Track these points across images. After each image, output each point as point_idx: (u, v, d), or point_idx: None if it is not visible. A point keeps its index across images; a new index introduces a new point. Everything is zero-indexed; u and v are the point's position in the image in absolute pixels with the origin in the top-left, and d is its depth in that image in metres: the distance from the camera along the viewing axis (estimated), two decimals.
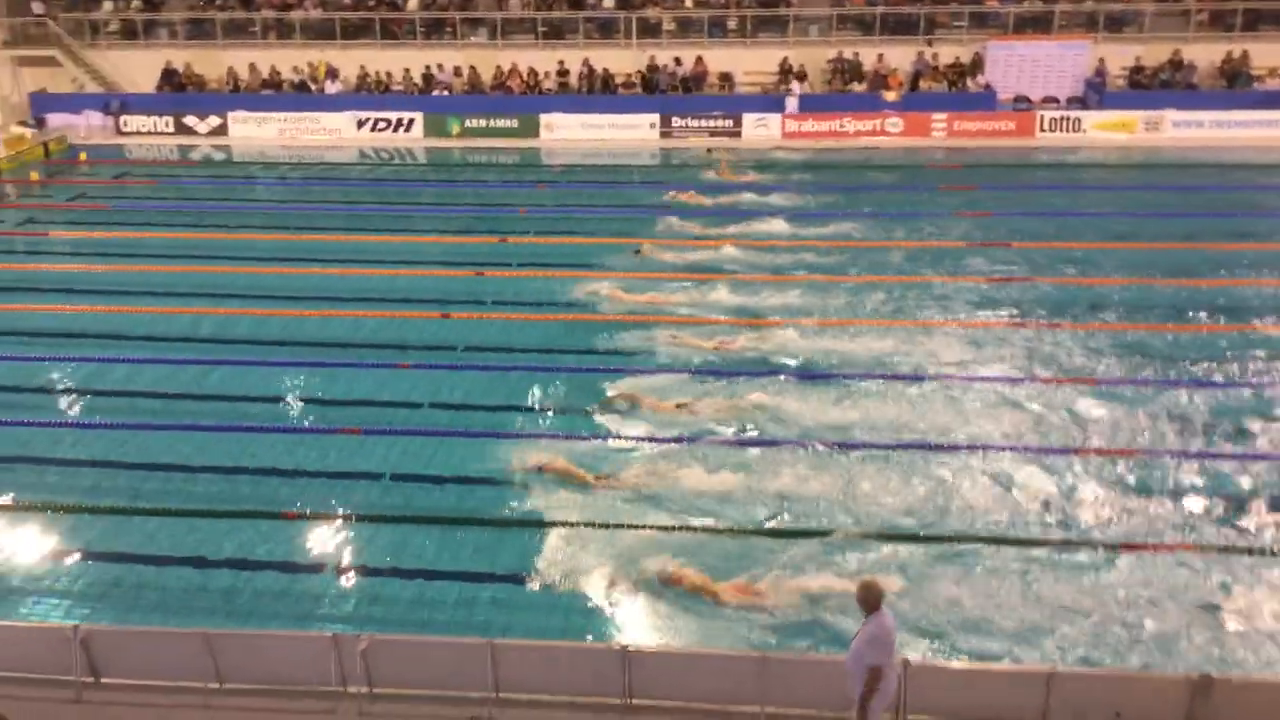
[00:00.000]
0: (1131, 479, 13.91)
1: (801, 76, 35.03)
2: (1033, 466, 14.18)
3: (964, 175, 29.68)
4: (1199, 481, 13.86)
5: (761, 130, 33.83)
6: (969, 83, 34.73)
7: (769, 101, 34.48)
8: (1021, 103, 34.26)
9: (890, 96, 34.13)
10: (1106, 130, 32.96)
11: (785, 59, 35.30)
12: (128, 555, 12.80)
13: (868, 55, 35.22)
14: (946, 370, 17.00)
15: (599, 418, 15.71)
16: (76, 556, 12.91)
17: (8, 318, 20.03)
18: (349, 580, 12.37)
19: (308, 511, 13.51)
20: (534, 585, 12.15)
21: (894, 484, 13.79)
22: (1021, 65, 34.79)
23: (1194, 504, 13.37)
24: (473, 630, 11.05)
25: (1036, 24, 35.40)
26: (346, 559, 12.69)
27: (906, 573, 11.91)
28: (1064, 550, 12.40)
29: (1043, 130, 33.25)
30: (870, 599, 8.77)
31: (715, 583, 11.71)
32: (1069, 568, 12.10)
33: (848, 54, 35.28)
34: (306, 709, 9.98)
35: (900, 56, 35.20)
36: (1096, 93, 34.01)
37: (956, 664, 10.36)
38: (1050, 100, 34.49)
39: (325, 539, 13.06)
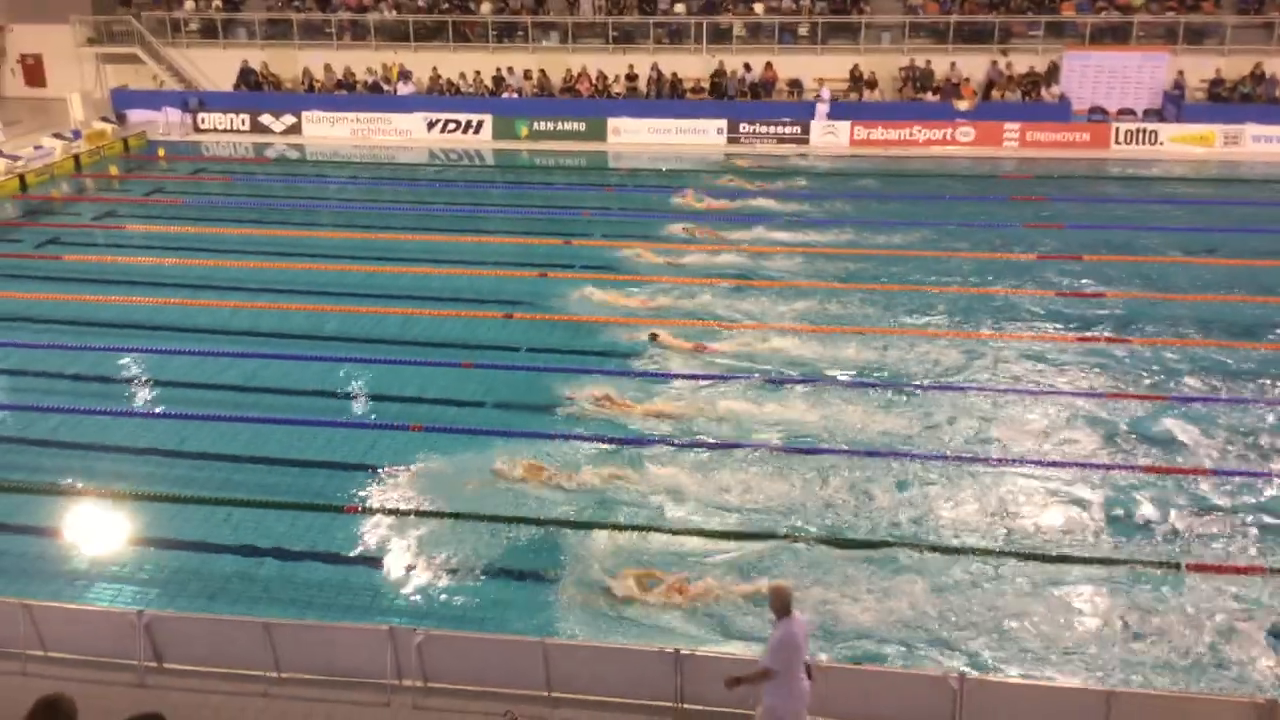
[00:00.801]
0: (1197, 498, 13.62)
1: (873, 84, 34.82)
2: (1074, 481, 14.07)
3: (1035, 186, 29.29)
4: (1269, 503, 13.51)
5: (830, 137, 33.64)
6: (1043, 93, 34.25)
7: (838, 108, 34.27)
8: (1097, 114, 33.71)
9: (962, 105, 33.79)
10: (1184, 143, 32.31)
11: (856, 66, 35.09)
12: (192, 543, 13.06)
13: (940, 64, 34.89)
14: (950, 379, 17.04)
15: (564, 417, 15.87)
16: (143, 543, 13.20)
17: (84, 308, 20.50)
18: (405, 574, 12.46)
19: (366, 506, 13.65)
20: (467, 578, 12.35)
21: (861, 492, 13.78)
22: (1098, 76, 34.23)
23: (1264, 525, 13.03)
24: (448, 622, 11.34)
25: (1115, 34, 34.83)
26: (403, 553, 12.79)
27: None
28: (1124, 569, 12.21)
29: (1118, 142, 32.67)
30: (779, 603, 8.75)
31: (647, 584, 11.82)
32: (1129, 586, 11.90)
33: (920, 62, 34.97)
34: (362, 700, 10.09)
35: (973, 65, 34.83)
36: (1174, 105, 33.36)
37: (1015, 680, 10.20)
38: (1126, 112, 33.90)
39: (384, 533, 13.17)
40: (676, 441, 15.01)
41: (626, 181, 30.99)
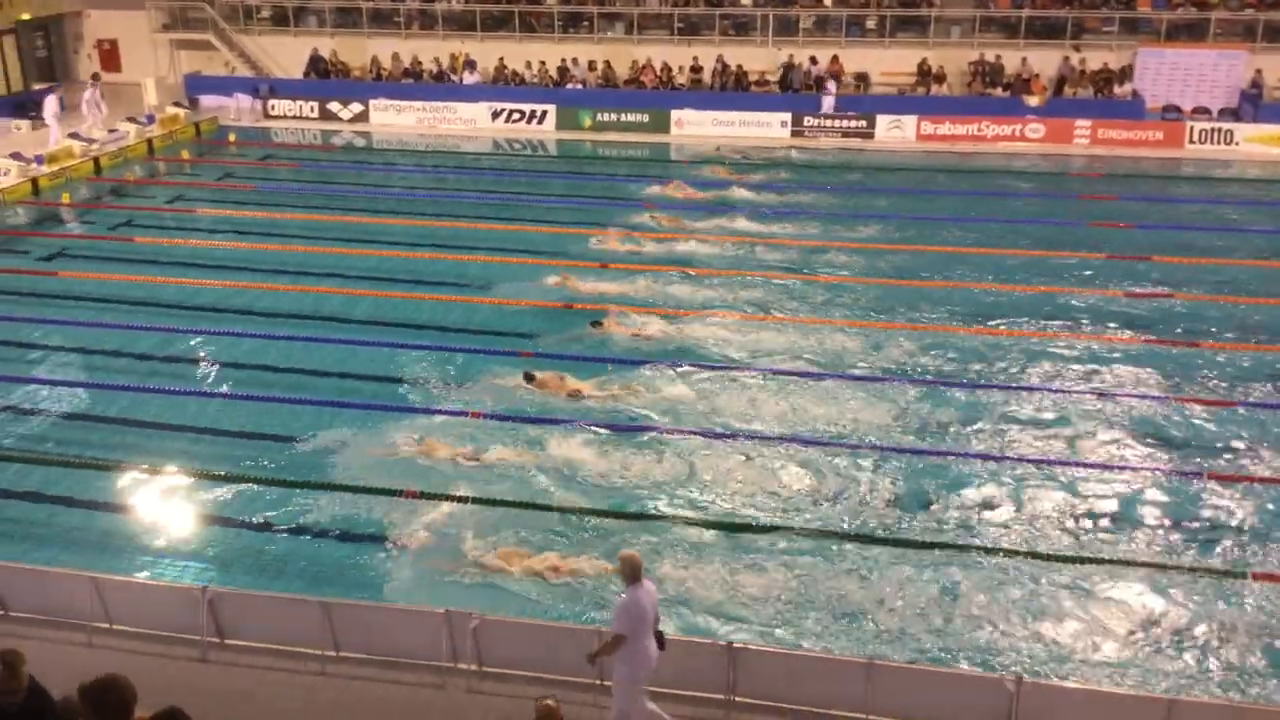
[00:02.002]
0: (1265, 506, 13.34)
1: (940, 79, 34.42)
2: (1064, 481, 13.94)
3: (1106, 184, 28.79)
4: None
5: (895, 132, 33.31)
6: (1116, 90, 33.64)
7: (905, 103, 33.97)
8: (1171, 113, 33.03)
9: (1033, 101, 33.30)
10: (1261, 144, 31.56)
11: (924, 60, 34.72)
12: (255, 523, 13.26)
13: (1011, 59, 34.38)
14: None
15: (489, 398, 16.12)
16: (208, 520, 13.43)
17: (153, 289, 20.88)
18: (455, 558, 12.53)
19: (424, 489, 13.75)
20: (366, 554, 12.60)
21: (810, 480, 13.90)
22: (1173, 74, 33.52)
23: None
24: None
25: (1191, 31, 34.07)
26: (456, 537, 12.85)
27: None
28: (1188, 576, 11.98)
29: (1192, 142, 31.98)
30: (627, 570, 8.98)
31: (526, 557, 12.10)
32: (1192, 593, 11.69)
33: (989, 57, 34.50)
34: (418, 681, 10.21)
35: (1045, 61, 34.30)
36: (1252, 104, 32.59)
37: (1073, 685, 10.07)
38: (1201, 111, 33.18)
39: (436, 517, 13.27)
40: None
41: (687, 173, 30.81)
